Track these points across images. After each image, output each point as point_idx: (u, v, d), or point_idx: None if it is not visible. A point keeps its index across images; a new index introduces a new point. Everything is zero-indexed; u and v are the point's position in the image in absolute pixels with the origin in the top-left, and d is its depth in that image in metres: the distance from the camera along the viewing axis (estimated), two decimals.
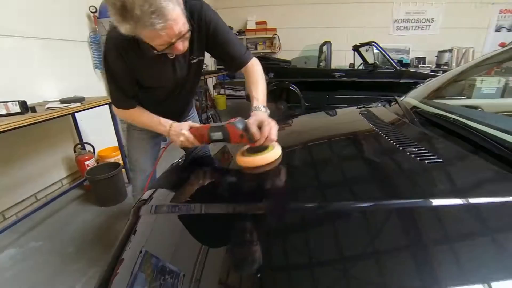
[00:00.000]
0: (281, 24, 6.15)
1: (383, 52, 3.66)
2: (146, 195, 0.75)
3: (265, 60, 4.28)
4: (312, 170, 0.76)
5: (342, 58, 5.80)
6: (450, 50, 5.07)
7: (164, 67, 0.89)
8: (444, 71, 4.12)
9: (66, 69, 2.22)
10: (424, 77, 3.14)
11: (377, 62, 3.66)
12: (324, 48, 4.13)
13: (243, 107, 5.24)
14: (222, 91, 6.71)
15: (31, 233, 1.77)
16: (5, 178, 1.82)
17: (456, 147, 0.69)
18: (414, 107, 1.01)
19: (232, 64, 0.95)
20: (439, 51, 5.19)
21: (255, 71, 0.96)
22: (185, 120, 1.24)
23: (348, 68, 4.24)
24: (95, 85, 2.53)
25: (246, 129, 0.75)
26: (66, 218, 1.94)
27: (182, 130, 0.84)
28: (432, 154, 0.65)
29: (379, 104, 1.29)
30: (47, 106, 1.63)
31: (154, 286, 0.47)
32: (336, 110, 1.42)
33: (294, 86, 4.03)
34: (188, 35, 0.74)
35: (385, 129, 0.87)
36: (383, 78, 3.70)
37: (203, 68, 1.05)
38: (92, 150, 2.31)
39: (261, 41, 6.26)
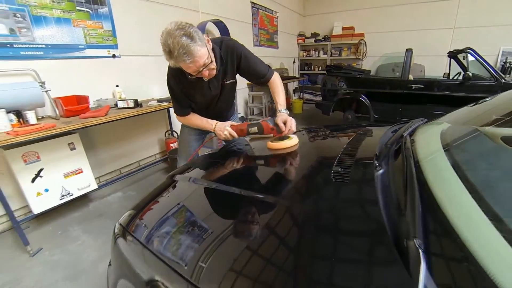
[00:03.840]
0: (370, 28, 5.83)
1: (481, 61, 3.06)
2: (181, 168, 1.07)
3: (336, 68, 4.25)
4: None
5: (442, 66, 5.01)
6: None
7: (202, 87, 1.27)
8: None
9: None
10: None
11: (469, 73, 3.09)
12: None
13: (317, 113, 5.32)
14: (301, 95, 6.98)
15: (131, 186, 2.68)
16: (125, 147, 2.81)
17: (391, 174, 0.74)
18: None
19: (260, 81, 1.34)
20: None
21: (276, 83, 1.35)
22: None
23: (430, 78, 3.72)
24: None
25: (275, 124, 1.17)
26: (152, 182, 2.79)
27: (226, 127, 1.24)
28: (349, 175, 0.74)
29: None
30: (149, 103, 2.44)
31: (182, 230, 0.62)
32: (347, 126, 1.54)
33: (364, 96, 3.89)
34: (212, 65, 1.10)
35: (349, 151, 0.95)
36: (477, 93, 3.09)
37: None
38: (177, 136, 3.14)
39: (346, 47, 6.12)
